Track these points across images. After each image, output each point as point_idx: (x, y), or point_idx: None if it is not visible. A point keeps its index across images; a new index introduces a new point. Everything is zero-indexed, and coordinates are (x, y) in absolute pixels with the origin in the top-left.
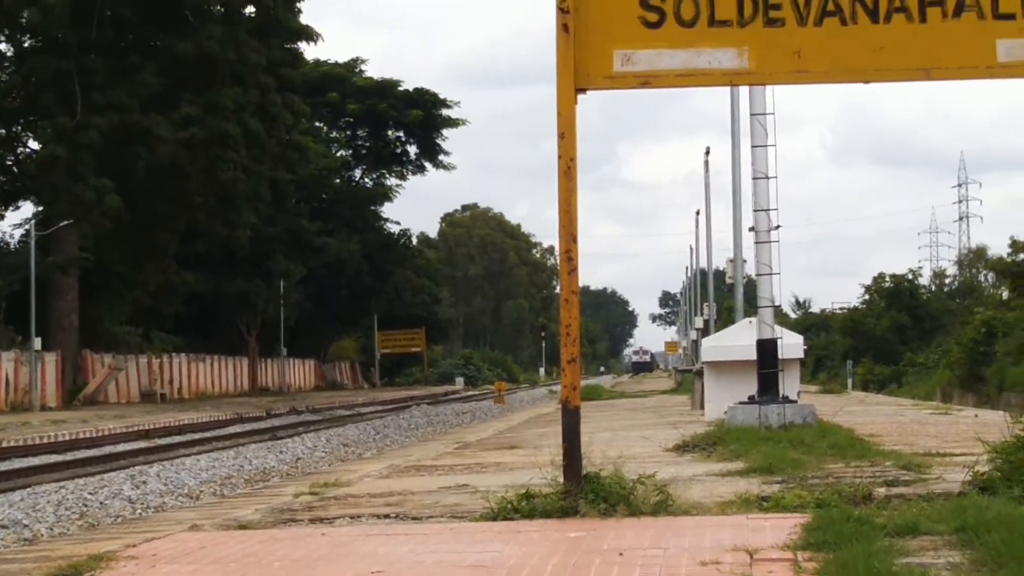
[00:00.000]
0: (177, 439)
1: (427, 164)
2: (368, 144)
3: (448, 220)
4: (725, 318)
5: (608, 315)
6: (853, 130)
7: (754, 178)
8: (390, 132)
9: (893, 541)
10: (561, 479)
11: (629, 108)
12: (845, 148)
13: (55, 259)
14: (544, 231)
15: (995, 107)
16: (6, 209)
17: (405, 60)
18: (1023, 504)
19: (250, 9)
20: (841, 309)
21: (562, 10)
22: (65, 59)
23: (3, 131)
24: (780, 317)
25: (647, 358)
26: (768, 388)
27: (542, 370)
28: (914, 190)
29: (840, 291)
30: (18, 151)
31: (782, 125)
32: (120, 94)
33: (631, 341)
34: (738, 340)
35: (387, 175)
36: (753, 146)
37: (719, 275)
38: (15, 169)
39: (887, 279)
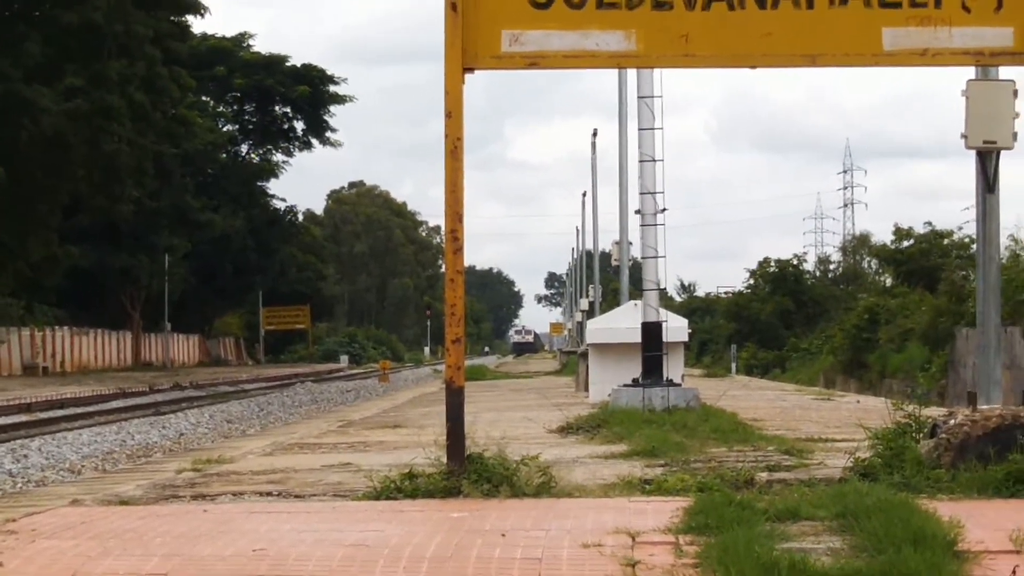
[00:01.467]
0: (59, 413)
1: (314, 140)
2: (255, 119)
3: (334, 197)
4: (610, 300)
5: (493, 295)
6: (739, 114)
7: (641, 161)
8: (277, 108)
9: (774, 526)
10: (444, 459)
11: (517, 88)
12: (731, 132)
13: None
14: (430, 210)
15: (881, 94)
16: None
17: (293, 35)
18: (903, 490)
19: None
20: (726, 293)
21: None
22: None
23: None
24: (665, 300)
25: (530, 338)
26: (652, 371)
27: (427, 349)
28: (800, 176)
29: (725, 275)
30: None
31: (669, 108)
32: (4, 64)
33: (516, 322)
34: (623, 322)
35: (274, 151)
36: (640, 129)
37: (605, 257)
38: None
39: (772, 264)
